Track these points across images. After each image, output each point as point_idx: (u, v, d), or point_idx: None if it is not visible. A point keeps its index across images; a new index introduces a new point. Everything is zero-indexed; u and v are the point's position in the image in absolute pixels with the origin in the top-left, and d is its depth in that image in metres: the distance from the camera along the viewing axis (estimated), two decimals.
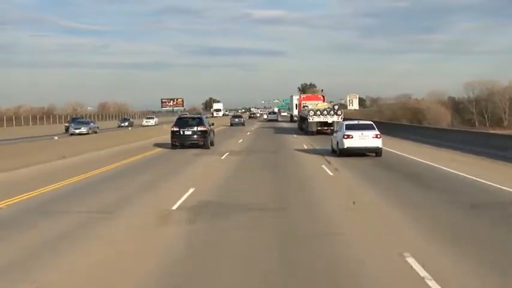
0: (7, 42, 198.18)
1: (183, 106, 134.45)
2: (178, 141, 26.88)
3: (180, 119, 29.21)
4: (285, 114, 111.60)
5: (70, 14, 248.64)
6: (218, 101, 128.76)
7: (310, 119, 38.41)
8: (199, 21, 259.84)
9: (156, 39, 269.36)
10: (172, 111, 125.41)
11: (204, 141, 26.80)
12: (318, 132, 37.54)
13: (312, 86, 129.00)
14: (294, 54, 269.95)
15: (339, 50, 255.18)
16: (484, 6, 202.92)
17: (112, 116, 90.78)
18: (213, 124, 30.72)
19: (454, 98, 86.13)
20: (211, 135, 28.52)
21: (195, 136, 26.77)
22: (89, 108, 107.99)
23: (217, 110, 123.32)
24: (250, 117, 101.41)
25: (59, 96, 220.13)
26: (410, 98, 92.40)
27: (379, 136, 20.14)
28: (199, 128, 26.94)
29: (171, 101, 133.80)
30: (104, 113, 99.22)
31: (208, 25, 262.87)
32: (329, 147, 23.39)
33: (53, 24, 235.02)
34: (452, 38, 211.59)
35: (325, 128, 37.76)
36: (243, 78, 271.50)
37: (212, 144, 28.03)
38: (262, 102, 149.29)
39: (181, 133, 26.84)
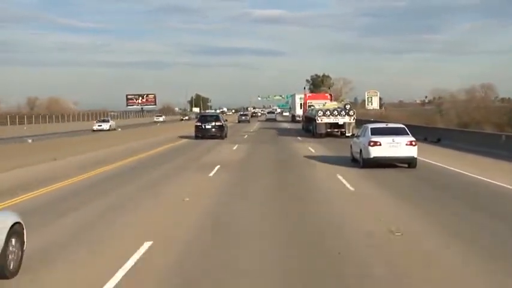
0: (6, 40, 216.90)
1: (155, 104, 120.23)
2: (200, 133, 37.47)
3: (201, 116, 42.10)
4: (287, 114, 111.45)
5: (69, 13, 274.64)
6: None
7: (319, 120, 38.74)
8: (199, 20, 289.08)
9: (156, 38, 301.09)
10: (142, 110, 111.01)
11: (220, 134, 37.62)
12: (327, 135, 38.69)
13: (326, 77, 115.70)
14: (294, 54, 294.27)
15: (338, 50, 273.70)
16: (484, 6, 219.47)
17: (42, 118, 77.88)
18: (226, 120, 43.92)
19: None
20: (226, 129, 39.64)
21: (214, 130, 37.58)
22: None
23: None
24: (252, 115, 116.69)
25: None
26: (485, 93, 72.74)
27: (414, 143, 18.91)
28: (217, 123, 37.99)
29: (140, 98, 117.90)
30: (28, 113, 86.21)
31: (208, 24, 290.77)
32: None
33: (51, 23, 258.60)
34: (453, 38, 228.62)
35: (336, 130, 39.24)
36: (242, 77, 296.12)
37: (226, 136, 38.84)
38: (259, 99, 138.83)
39: (203, 127, 37.63)
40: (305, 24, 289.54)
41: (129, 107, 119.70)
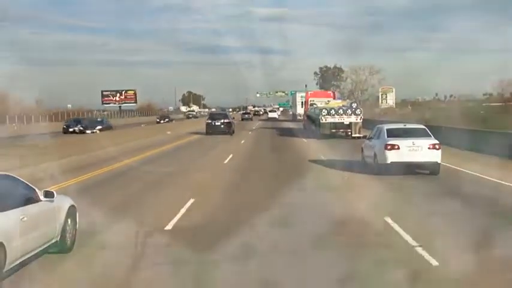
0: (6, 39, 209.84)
1: (135, 101, 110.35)
2: (211, 130, 45.93)
3: (212, 114, 53.31)
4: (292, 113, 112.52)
5: (69, 12, 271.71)
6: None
7: (323, 120, 39.09)
8: (199, 19, 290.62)
9: (154, 37, 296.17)
10: (120, 108, 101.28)
11: (228, 130, 45.92)
12: (331, 135, 39.58)
13: (337, 69, 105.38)
14: (294, 52, 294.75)
15: (339, 49, 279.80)
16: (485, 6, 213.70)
17: None
18: (233, 118, 56.90)
19: None
20: (233, 126, 48.10)
21: (222, 126, 46.09)
22: None
23: None
24: (254, 114, 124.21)
25: None
26: None
27: (437, 146, 17.91)
28: (225, 120, 46.90)
29: (117, 94, 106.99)
30: None
31: (207, 23, 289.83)
32: None
33: (51, 22, 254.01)
34: (455, 36, 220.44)
35: (341, 130, 40.00)
36: (241, 75, 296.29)
37: (233, 132, 47.26)
38: (258, 95, 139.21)
39: (213, 124, 46.42)
40: (306, 23, 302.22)
41: (104, 105, 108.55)
